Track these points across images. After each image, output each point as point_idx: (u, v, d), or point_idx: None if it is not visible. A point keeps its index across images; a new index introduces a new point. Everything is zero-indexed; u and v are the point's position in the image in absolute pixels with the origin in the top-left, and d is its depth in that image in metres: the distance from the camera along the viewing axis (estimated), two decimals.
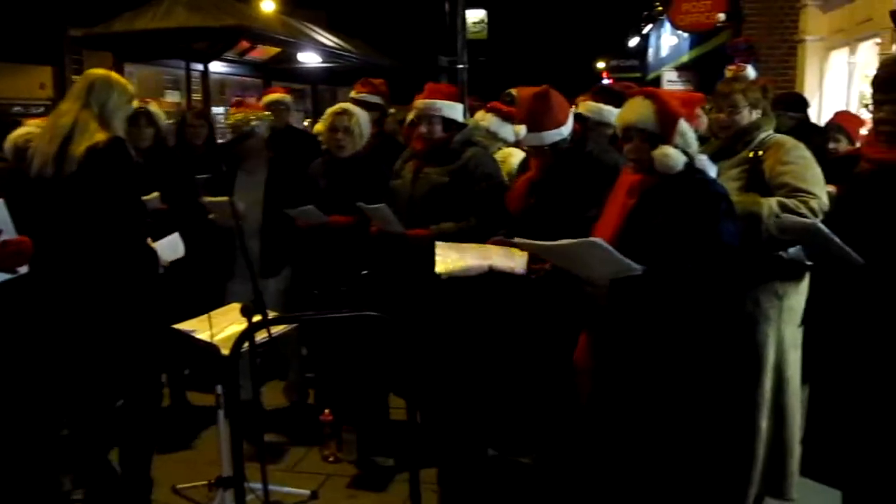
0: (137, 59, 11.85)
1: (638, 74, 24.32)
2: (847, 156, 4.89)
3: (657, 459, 2.80)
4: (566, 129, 3.43)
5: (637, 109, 2.80)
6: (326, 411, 4.18)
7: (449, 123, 3.87)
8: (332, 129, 4.20)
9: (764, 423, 3.26)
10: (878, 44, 7.84)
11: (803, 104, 6.35)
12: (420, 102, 3.90)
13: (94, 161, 3.15)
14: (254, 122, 4.36)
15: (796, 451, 3.29)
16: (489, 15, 18.15)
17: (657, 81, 16.94)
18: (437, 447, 3.91)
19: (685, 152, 2.76)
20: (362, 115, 4.29)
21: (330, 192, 4.17)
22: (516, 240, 3.00)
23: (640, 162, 2.81)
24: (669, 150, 2.72)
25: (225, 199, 4.12)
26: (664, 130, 2.74)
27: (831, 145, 5.19)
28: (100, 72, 3.41)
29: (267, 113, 4.68)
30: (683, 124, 2.76)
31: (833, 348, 2.66)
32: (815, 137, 5.36)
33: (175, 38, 11.54)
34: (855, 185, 2.72)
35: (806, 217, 2.97)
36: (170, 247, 3.56)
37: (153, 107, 4.90)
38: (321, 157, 4.43)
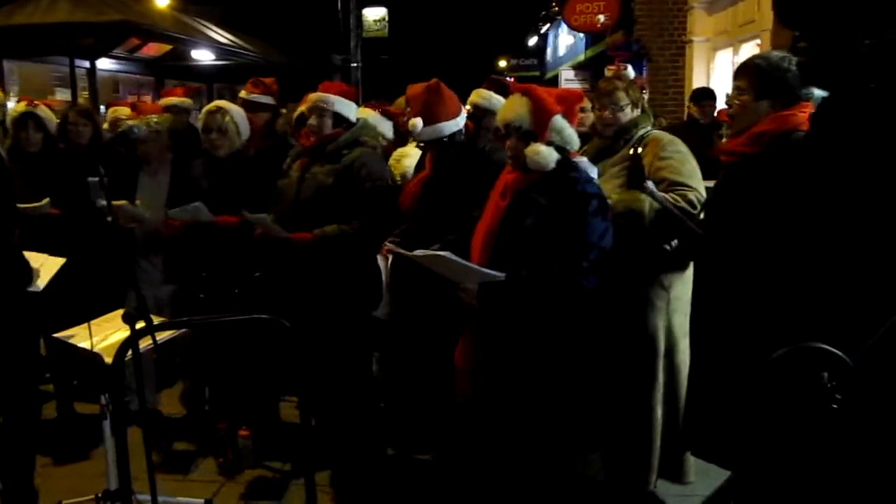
0: (18, 55, 11.30)
1: (537, 73, 24.74)
2: None
3: (548, 454, 2.84)
4: (461, 120, 3.48)
5: (513, 107, 2.81)
6: (222, 418, 4.09)
7: (340, 121, 3.82)
8: (206, 130, 4.11)
9: (660, 411, 3.34)
10: (758, 45, 8.23)
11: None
12: (312, 95, 3.84)
13: None
14: (153, 124, 4.25)
15: None
16: (390, 13, 18.13)
17: (555, 80, 17.28)
18: (333, 449, 3.87)
19: (562, 149, 2.78)
20: (237, 113, 4.21)
21: (212, 192, 4.06)
22: (387, 244, 3.00)
23: (516, 159, 2.82)
24: (541, 148, 2.72)
25: (122, 202, 4.03)
26: (537, 128, 2.75)
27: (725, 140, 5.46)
28: None
29: (166, 115, 4.54)
30: (558, 121, 2.76)
31: (705, 333, 2.76)
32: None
33: (58, 34, 11.06)
34: (720, 178, 2.85)
35: (685, 209, 3.06)
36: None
37: (42, 110, 4.68)
38: (200, 158, 4.30)
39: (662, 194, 3.01)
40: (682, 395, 3.36)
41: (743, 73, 2.63)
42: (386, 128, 4.58)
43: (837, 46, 1.92)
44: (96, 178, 4.12)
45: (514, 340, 2.78)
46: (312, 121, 3.80)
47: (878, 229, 1.72)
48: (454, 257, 2.68)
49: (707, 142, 5.95)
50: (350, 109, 3.87)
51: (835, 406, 1.48)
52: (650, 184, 2.98)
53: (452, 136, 3.46)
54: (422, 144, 3.73)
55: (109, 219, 4.10)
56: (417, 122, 3.39)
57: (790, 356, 1.49)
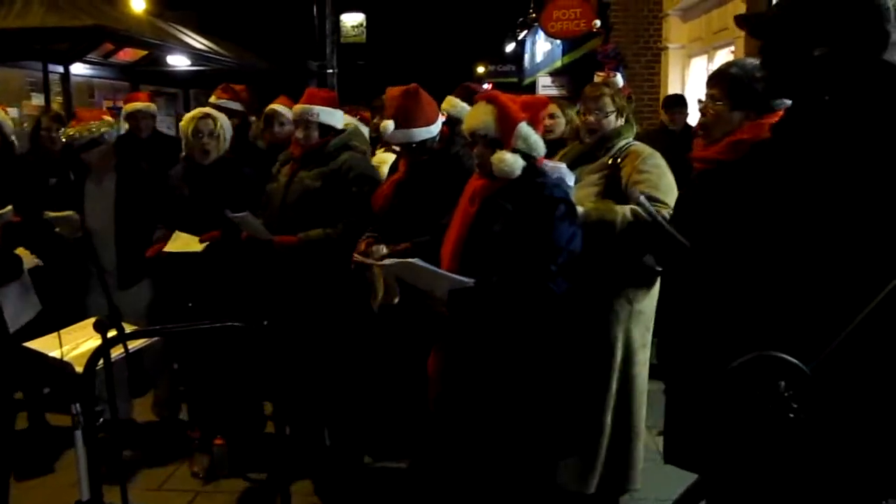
0: None
1: (515, 79, 24.83)
2: None
3: (503, 456, 2.83)
4: (435, 128, 3.48)
5: (479, 115, 2.81)
6: (196, 427, 4.05)
7: (326, 129, 3.81)
8: (198, 134, 4.03)
9: (609, 419, 3.34)
10: (732, 52, 8.30)
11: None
12: (297, 107, 3.84)
13: None
14: (98, 131, 4.17)
15: (640, 444, 3.41)
16: (368, 19, 18.11)
17: (533, 86, 17.34)
18: (311, 458, 3.85)
19: (528, 156, 2.77)
20: (225, 120, 4.18)
21: (194, 200, 4.03)
22: (355, 256, 3.01)
23: (483, 167, 2.83)
24: (506, 156, 2.72)
25: (69, 213, 3.98)
26: (503, 135, 2.75)
27: None
28: None
29: (108, 120, 4.44)
30: (524, 128, 2.76)
31: (680, 341, 2.76)
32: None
33: (30, 39, 10.93)
34: (689, 184, 2.84)
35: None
36: (18, 301, 3.30)
37: None
38: (181, 164, 4.26)
39: (655, 210, 2.96)
40: (636, 404, 3.38)
41: (717, 81, 2.59)
42: (366, 134, 4.62)
43: (794, 58, 1.95)
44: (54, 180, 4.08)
45: (484, 347, 2.78)
46: (299, 133, 3.79)
47: (835, 238, 1.73)
48: (424, 264, 2.68)
49: (683, 147, 5.95)
50: (335, 117, 3.87)
51: (791, 415, 1.48)
52: (643, 197, 2.93)
53: (424, 142, 3.45)
54: (396, 148, 3.73)
55: (57, 229, 4.08)
56: (389, 125, 3.37)
57: (748, 365, 1.49)
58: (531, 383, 2.77)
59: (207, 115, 4.11)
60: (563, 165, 3.03)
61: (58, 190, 4.30)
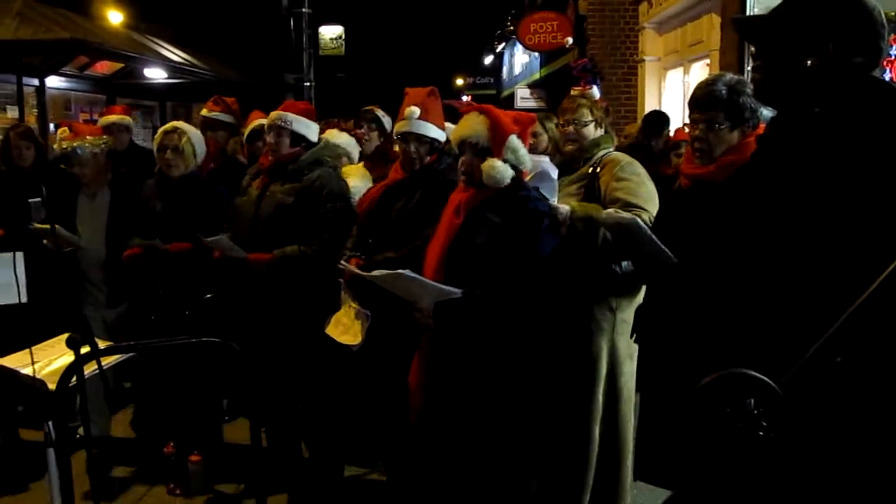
0: None
1: (493, 91, 24.93)
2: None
3: (490, 470, 2.83)
4: (442, 136, 3.44)
5: (470, 124, 2.86)
6: (170, 443, 4.01)
7: (298, 140, 3.78)
8: (161, 149, 4.03)
9: (597, 431, 3.31)
10: (707, 65, 8.39)
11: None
12: (272, 114, 3.82)
13: None
14: (87, 146, 4.15)
15: (629, 458, 3.36)
16: (347, 32, 18.12)
17: (511, 98, 17.42)
18: (289, 471, 3.82)
19: (514, 168, 2.82)
20: (195, 135, 4.15)
21: (165, 214, 4.00)
22: (341, 263, 3.00)
23: (470, 175, 2.86)
24: (497, 164, 2.77)
25: (47, 226, 3.93)
26: (494, 144, 2.80)
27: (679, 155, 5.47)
28: None
29: (105, 137, 4.45)
30: (514, 140, 2.82)
31: (659, 355, 2.77)
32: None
33: (2, 52, 10.83)
34: (673, 201, 2.85)
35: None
36: None
37: None
38: (153, 178, 4.22)
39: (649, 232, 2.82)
40: (623, 416, 3.34)
41: (712, 106, 2.61)
42: (354, 151, 4.61)
43: (787, 66, 1.96)
44: (37, 199, 4.06)
45: (467, 357, 2.79)
46: (270, 139, 3.77)
47: (815, 252, 1.74)
48: (413, 275, 2.69)
49: (660, 160, 5.98)
50: (310, 129, 3.84)
51: (761, 433, 1.46)
52: (638, 220, 2.86)
53: (431, 143, 3.39)
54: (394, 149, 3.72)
55: (45, 241, 4.03)
56: (415, 110, 3.32)
57: (717, 383, 1.47)
58: (515, 393, 2.78)
59: (173, 130, 4.10)
60: (546, 159, 3.07)
61: (46, 203, 4.25)
